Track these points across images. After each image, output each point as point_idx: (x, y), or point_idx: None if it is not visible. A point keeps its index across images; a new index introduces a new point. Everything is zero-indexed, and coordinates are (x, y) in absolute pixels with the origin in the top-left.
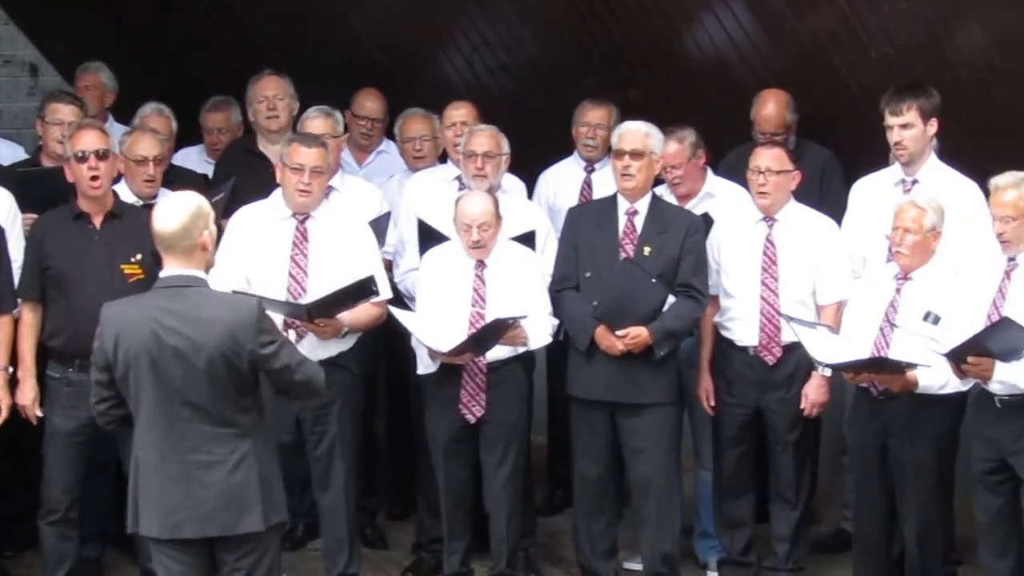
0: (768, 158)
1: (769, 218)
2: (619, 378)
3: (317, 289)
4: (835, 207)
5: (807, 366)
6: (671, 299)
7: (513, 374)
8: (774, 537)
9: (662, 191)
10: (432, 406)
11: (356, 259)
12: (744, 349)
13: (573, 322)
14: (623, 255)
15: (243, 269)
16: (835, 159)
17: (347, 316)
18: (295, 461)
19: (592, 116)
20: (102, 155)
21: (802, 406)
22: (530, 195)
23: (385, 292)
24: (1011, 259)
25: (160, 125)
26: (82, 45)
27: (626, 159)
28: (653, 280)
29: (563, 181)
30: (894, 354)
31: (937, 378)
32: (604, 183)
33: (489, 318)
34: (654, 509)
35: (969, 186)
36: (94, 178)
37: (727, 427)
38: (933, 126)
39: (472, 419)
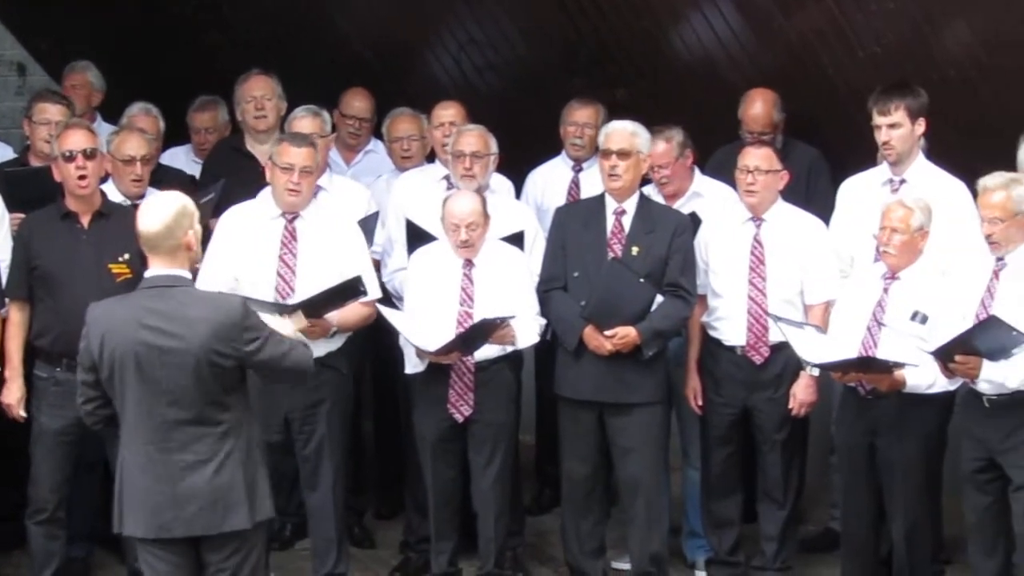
0: (757, 157)
1: (757, 218)
2: (607, 378)
3: (305, 289)
4: (822, 206)
5: (795, 366)
6: (659, 299)
7: (501, 373)
8: (762, 536)
9: (649, 190)
10: (420, 405)
11: (345, 259)
12: (732, 349)
13: (561, 322)
14: (611, 255)
15: (232, 269)
16: (822, 158)
17: (335, 316)
18: (283, 460)
19: (579, 115)
20: (90, 154)
21: (790, 406)
22: (518, 195)
23: (374, 292)
24: (999, 259)
25: (148, 125)
26: (70, 44)
27: (613, 159)
28: (641, 280)
29: (551, 181)
30: (882, 354)
31: (925, 377)
32: (592, 183)
33: (477, 317)
34: (642, 508)
35: (957, 186)
36: (82, 177)
37: (715, 427)
38: (921, 126)
39: (460, 418)
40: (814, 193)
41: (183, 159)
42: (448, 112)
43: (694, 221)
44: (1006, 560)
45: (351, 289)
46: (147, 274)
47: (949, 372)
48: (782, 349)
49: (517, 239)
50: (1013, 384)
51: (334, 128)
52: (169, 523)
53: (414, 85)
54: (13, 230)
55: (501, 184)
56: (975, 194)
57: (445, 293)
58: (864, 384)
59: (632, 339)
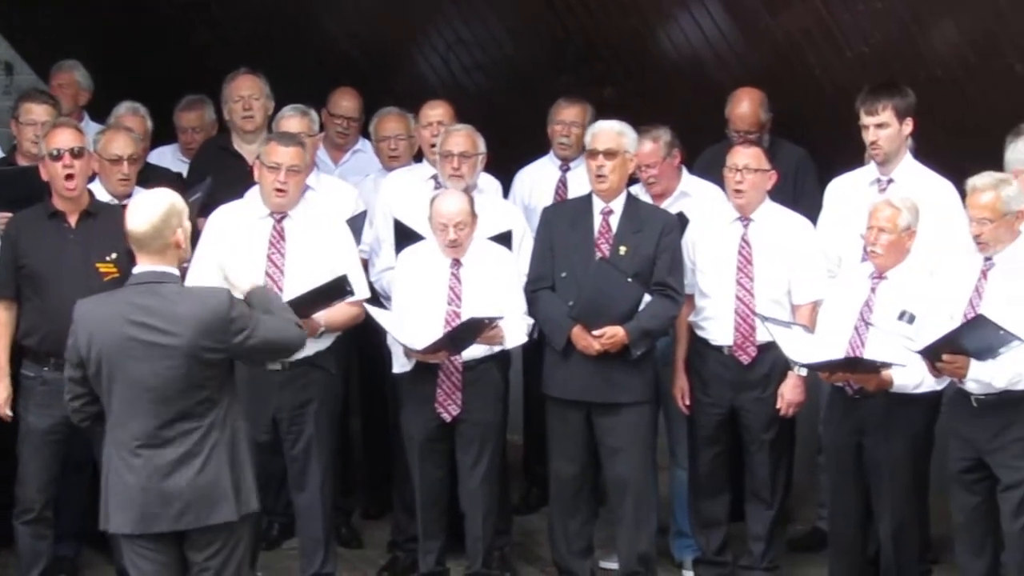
0: (746, 156)
1: (744, 218)
2: (595, 378)
3: (294, 288)
4: (809, 206)
5: (782, 365)
6: (647, 298)
7: (489, 373)
8: (749, 536)
9: (637, 190)
10: (408, 405)
11: (334, 258)
12: (719, 349)
13: (549, 322)
14: (598, 254)
15: (219, 263)
16: (809, 158)
17: (323, 316)
18: (271, 460)
19: (566, 114)
20: (77, 153)
21: (778, 406)
22: (506, 194)
23: (362, 291)
24: (987, 259)
25: (135, 124)
26: (57, 44)
27: (600, 159)
28: (629, 279)
29: (539, 180)
30: (869, 353)
31: (912, 377)
32: (579, 182)
33: (465, 317)
34: (630, 508)
35: (944, 185)
36: (69, 176)
37: (702, 426)
38: (908, 125)
39: (448, 418)
40: (801, 193)
41: (170, 158)
42: (436, 111)
43: (682, 221)
44: (994, 560)
45: (337, 289)
46: (135, 271)
47: (937, 371)
48: (769, 349)
49: (505, 239)
50: (1000, 384)
51: (322, 127)
52: (156, 518)
53: (402, 85)
54: (0, 229)
55: (489, 184)
56: (962, 194)
57: (433, 292)
58: (851, 384)
59: (620, 339)
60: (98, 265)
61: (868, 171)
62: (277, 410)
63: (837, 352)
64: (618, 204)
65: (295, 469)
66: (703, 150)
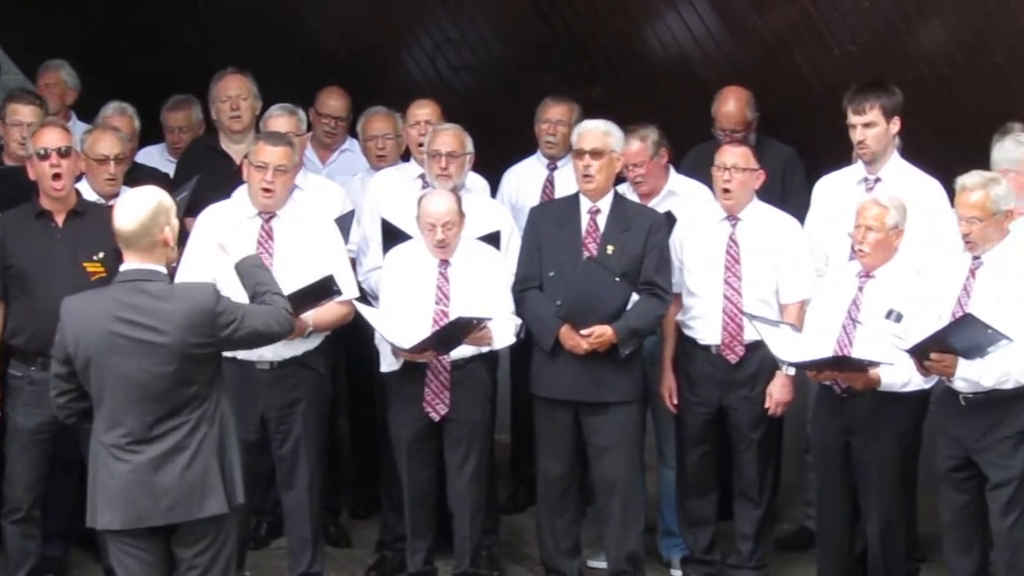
0: (734, 155)
1: (732, 217)
2: (583, 377)
3: (282, 288)
4: (797, 205)
5: (770, 365)
6: (634, 297)
7: (476, 372)
8: (737, 535)
9: (624, 189)
10: (395, 404)
11: (322, 257)
12: (707, 348)
13: (537, 322)
14: (586, 254)
15: (210, 269)
16: (797, 156)
17: (311, 315)
18: (259, 459)
19: (553, 113)
20: (64, 153)
21: (767, 405)
22: (493, 194)
23: (351, 291)
24: (976, 258)
25: (123, 124)
26: (45, 43)
27: (586, 158)
28: (616, 279)
29: (526, 180)
30: (857, 352)
31: (900, 376)
32: (566, 181)
33: (453, 316)
34: (618, 507)
35: (931, 184)
36: (56, 176)
37: (690, 426)
38: (895, 124)
39: (436, 417)
40: (789, 191)
41: (157, 158)
42: (423, 111)
43: (669, 220)
44: (982, 558)
45: (324, 289)
46: (122, 268)
47: (925, 370)
48: (757, 348)
49: (494, 239)
50: (988, 383)
51: (310, 127)
52: (146, 513)
53: (390, 84)
54: None
55: (477, 183)
56: (950, 192)
57: (421, 292)
58: (839, 383)
59: (608, 338)
60: (85, 264)
61: (856, 170)
62: (265, 409)
63: (825, 351)
64: (605, 203)
65: (283, 468)
66: (691, 149)
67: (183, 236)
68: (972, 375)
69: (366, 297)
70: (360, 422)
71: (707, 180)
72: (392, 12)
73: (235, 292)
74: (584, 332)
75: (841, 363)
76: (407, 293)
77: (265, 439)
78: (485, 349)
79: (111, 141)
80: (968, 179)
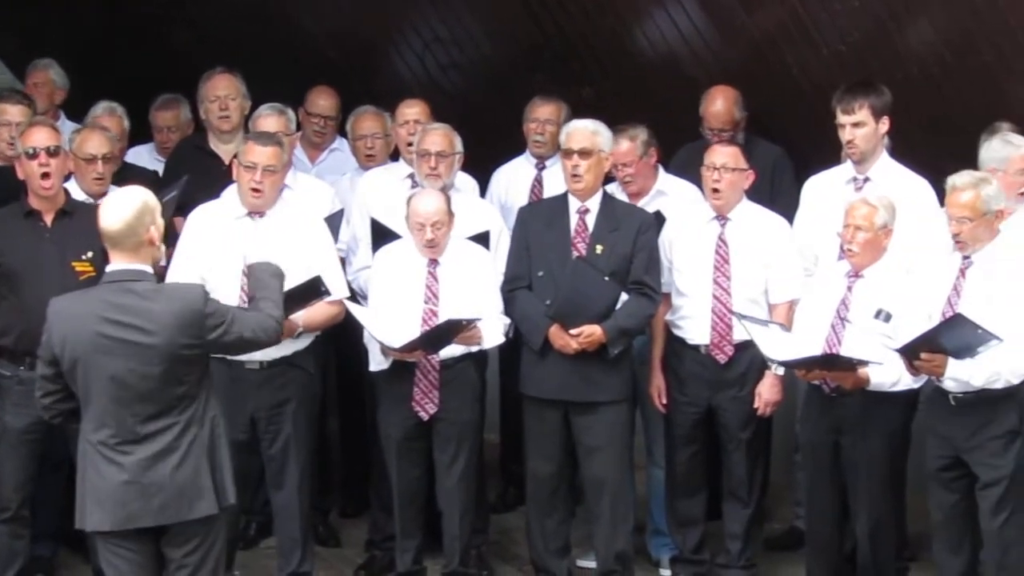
0: (724, 155)
1: (722, 217)
2: (573, 377)
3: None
4: (786, 204)
5: (759, 364)
6: (624, 297)
7: (466, 372)
8: (726, 535)
9: (613, 189)
10: (384, 403)
11: (312, 257)
12: (696, 348)
13: (526, 321)
14: (575, 254)
15: (199, 268)
16: (785, 156)
17: (301, 316)
18: (249, 459)
19: (541, 112)
20: (53, 152)
21: (756, 405)
22: (482, 193)
23: (342, 290)
24: (966, 257)
25: (112, 124)
26: (34, 43)
27: (575, 158)
28: (606, 278)
29: (514, 179)
30: (846, 351)
31: (889, 375)
32: (555, 180)
33: (442, 315)
34: (607, 507)
35: (920, 184)
36: (45, 176)
37: (679, 425)
38: (884, 124)
39: (425, 416)
40: (778, 191)
41: (146, 158)
42: (412, 110)
43: (658, 220)
44: (972, 557)
45: (312, 290)
46: (109, 268)
47: (915, 370)
48: (746, 348)
49: (483, 238)
50: (978, 382)
51: (299, 126)
52: (135, 514)
53: (379, 83)
54: None
55: (466, 183)
56: (939, 192)
57: (410, 291)
58: (828, 382)
59: (598, 337)
60: (74, 264)
61: (845, 169)
62: (255, 409)
63: (814, 350)
64: (594, 203)
65: (273, 468)
66: (680, 148)
67: (173, 236)
68: (962, 375)
69: (355, 297)
70: (350, 422)
71: (696, 180)
72: (381, 11)
73: (224, 294)
74: (573, 332)
75: (830, 362)
76: (396, 292)
77: (255, 439)
78: (474, 348)
79: (99, 140)
80: (958, 179)
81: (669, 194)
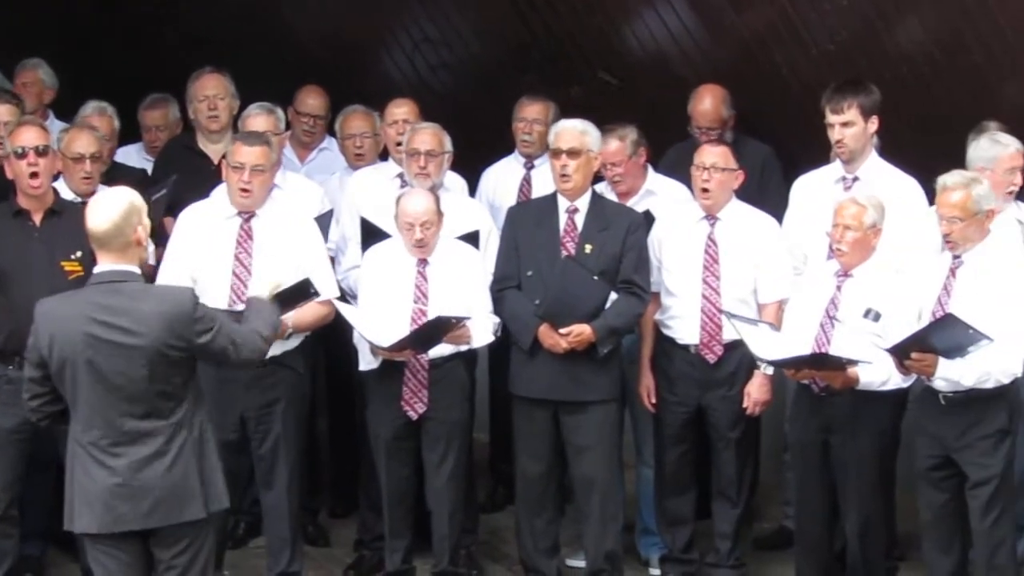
0: (714, 155)
1: (711, 216)
2: (562, 376)
3: (260, 289)
4: (774, 203)
5: (748, 364)
6: (613, 296)
7: (455, 371)
8: (716, 534)
9: (602, 188)
10: (374, 403)
11: (302, 257)
12: (685, 347)
13: (515, 321)
14: (564, 253)
15: (189, 268)
16: (774, 155)
17: (291, 317)
18: (238, 459)
19: (528, 112)
20: (42, 151)
21: (745, 405)
22: (472, 192)
23: (332, 291)
24: (956, 257)
25: (102, 124)
26: (23, 42)
27: (563, 158)
28: (595, 277)
29: (503, 179)
30: (835, 351)
31: (878, 375)
32: (543, 180)
33: (431, 315)
34: (597, 506)
35: (909, 183)
36: (33, 175)
37: (669, 425)
38: (873, 123)
39: (414, 416)
40: (767, 190)
41: (135, 157)
42: (401, 110)
43: (648, 219)
44: (962, 557)
45: (302, 292)
46: (96, 270)
47: (905, 369)
48: (736, 348)
49: (473, 238)
50: (969, 382)
51: (288, 126)
52: (124, 517)
53: (368, 83)
54: None
55: (455, 182)
56: (928, 191)
57: (399, 290)
58: (817, 381)
59: (587, 337)
60: (63, 263)
61: (834, 169)
62: (244, 409)
63: (803, 349)
64: (583, 203)
65: (262, 468)
66: (669, 148)
67: (163, 236)
68: (952, 375)
69: (345, 296)
70: (339, 421)
71: (685, 179)
72: (371, 11)
73: (214, 294)
74: (563, 331)
75: (819, 362)
76: (385, 292)
77: (244, 439)
78: (463, 348)
79: (87, 140)
80: (949, 178)
81: (658, 194)
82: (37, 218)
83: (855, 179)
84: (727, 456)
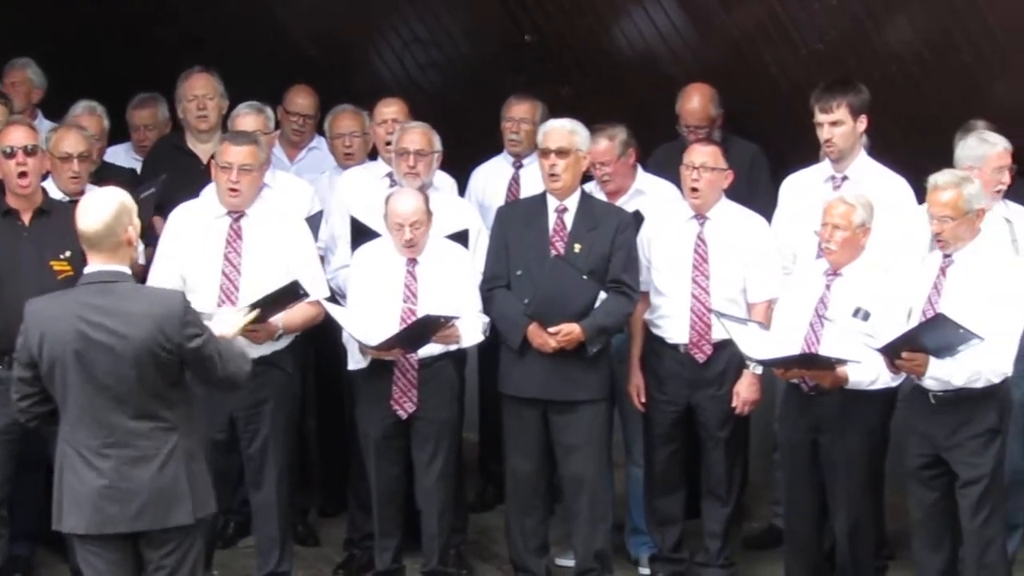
0: (703, 154)
1: (700, 216)
2: (552, 376)
3: (250, 288)
4: (763, 202)
5: (738, 363)
6: (602, 295)
7: (444, 370)
8: (705, 533)
9: (591, 188)
10: (363, 402)
11: (292, 257)
12: (675, 347)
13: (505, 320)
14: (553, 252)
15: (179, 268)
16: (762, 154)
17: (280, 318)
18: (227, 458)
19: (516, 111)
20: (30, 151)
21: (734, 404)
22: (461, 192)
23: (322, 291)
24: (947, 256)
25: (91, 123)
26: (12, 42)
27: (552, 157)
28: (584, 277)
29: (492, 178)
30: (824, 350)
31: (867, 374)
32: (532, 179)
33: (421, 315)
34: (586, 505)
35: (898, 182)
36: (22, 175)
37: (658, 424)
38: (862, 123)
39: (403, 415)
40: (755, 188)
41: (123, 157)
42: (391, 109)
43: (637, 219)
44: (952, 555)
45: (290, 293)
46: (86, 270)
47: (895, 368)
48: (725, 347)
49: (461, 237)
50: (959, 381)
51: (278, 125)
52: (112, 519)
53: (358, 82)
54: None
55: (445, 182)
56: (917, 190)
57: (388, 290)
58: (807, 380)
59: (576, 336)
60: (52, 263)
61: (823, 168)
62: (234, 409)
63: (792, 348)
64: (572, 202)
65: (251, 468)
66: (658, 147)
67: (153, 236)
68: (943, 374)
69: (334, 295)
70: (328, 421)
71: (674, 179)
72: (360, 10)
73: (204, 294)
74: (552, 330)
75: (809, 361)
76: (375, 291)
77: (233, 438)
78: (453, 347)
79: (75, 139)
80: (940, 178)
81: (648, 193)
82: (26, 218)
83: (844, 178)
84: (716, 455)
